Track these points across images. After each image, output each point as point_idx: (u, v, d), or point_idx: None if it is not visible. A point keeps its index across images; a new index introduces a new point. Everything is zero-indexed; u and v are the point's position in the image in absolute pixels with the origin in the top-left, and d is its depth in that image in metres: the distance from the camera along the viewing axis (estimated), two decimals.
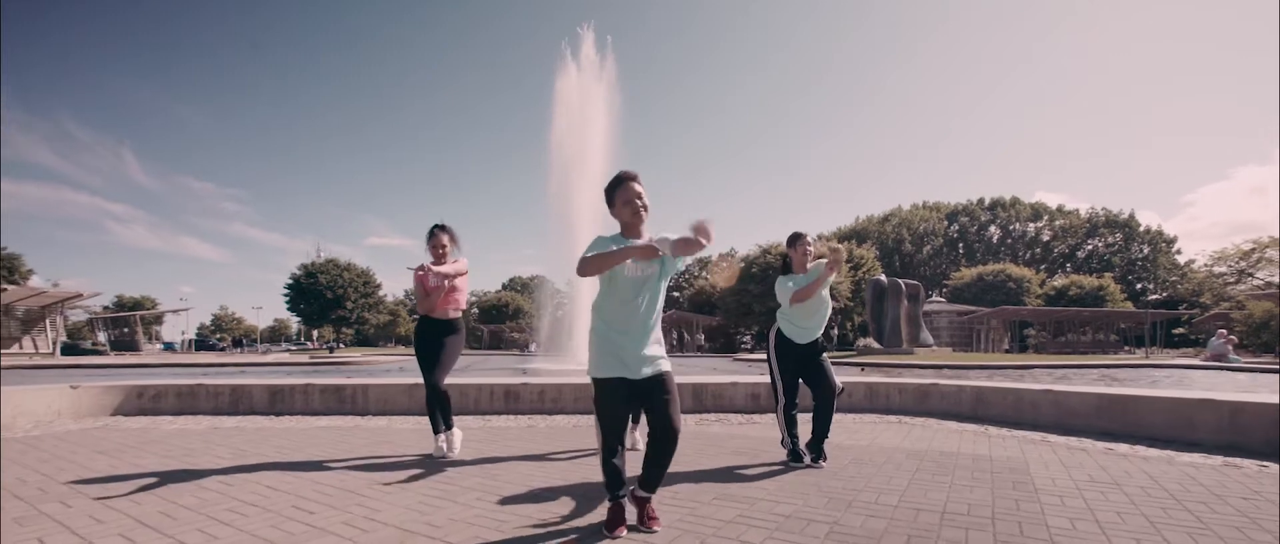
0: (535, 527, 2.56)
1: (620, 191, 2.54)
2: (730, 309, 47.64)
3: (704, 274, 72.05)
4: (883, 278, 27.54)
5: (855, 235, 61.89)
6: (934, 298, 53.15)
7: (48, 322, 36.53)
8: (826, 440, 3.86)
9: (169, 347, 50.46)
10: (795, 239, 3.98)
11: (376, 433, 5.13)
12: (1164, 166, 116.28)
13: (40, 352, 32.93)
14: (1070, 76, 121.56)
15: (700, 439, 4.79)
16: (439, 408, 4.18)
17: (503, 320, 59.87)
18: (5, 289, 31.43)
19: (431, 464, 3.86)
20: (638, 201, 2.51)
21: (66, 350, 33.64)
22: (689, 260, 3.14)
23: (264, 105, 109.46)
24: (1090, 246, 72.43)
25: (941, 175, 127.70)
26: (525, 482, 3.37)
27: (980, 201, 77.22)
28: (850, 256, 49.46)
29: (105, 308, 53.35)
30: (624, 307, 2.50)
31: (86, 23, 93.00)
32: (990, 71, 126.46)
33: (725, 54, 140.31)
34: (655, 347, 2.54)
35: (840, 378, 4.12)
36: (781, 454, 4.04)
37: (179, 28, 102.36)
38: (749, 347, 55.67)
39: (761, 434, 5.05)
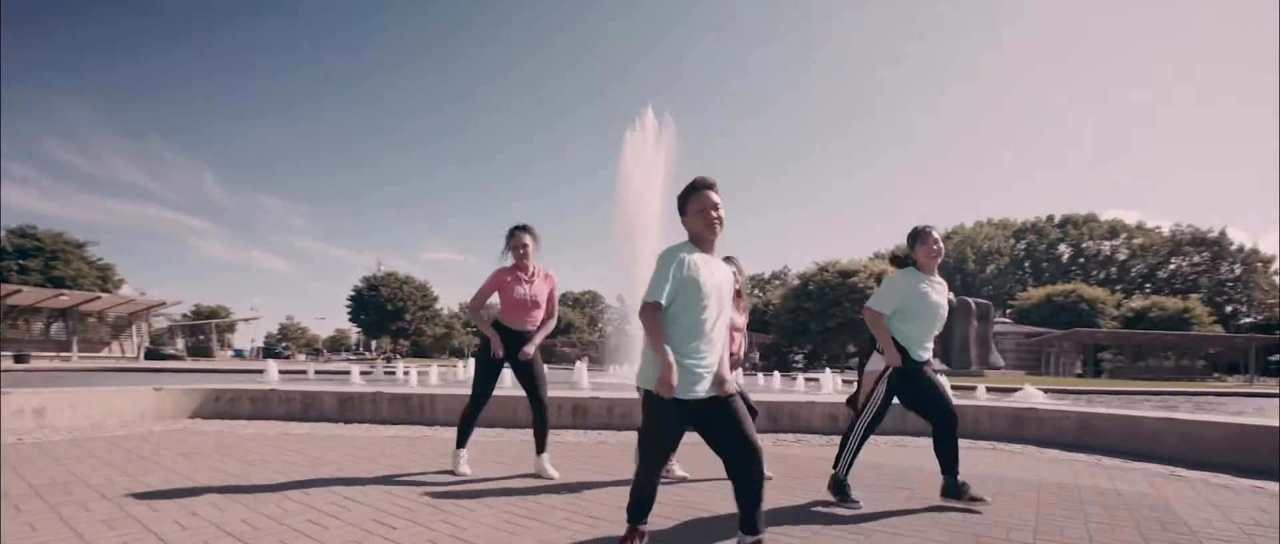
0: None
1: (694, 200, 2.33)
2: (785, 328, 46.67)
3: (758, 292, 70.99)
4: (951, 297, 26.21)
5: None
6: (999, 319, 50.34)
7: (134, 328, 39.01)
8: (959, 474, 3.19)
9: (238, 354, 52.58)
10: (920, 236, 3.29)
11: (444, 444, 4.94)
12: (1256, 177, 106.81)
13: (127, 356, 35.12)
14: (1156, 84, 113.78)
15: (784, 463, 4.49)
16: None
17: (554, 335, 60.23)
18: (99, 297, 33.83)
19: (514, 481, 3.68)
20: (713, 213, 2.30)
21: (149, 355, 35.76)
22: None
23: (331, 127, 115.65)
24: (1173, 266, 67.23)
25: (1009, 192, 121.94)
26: (615, 502, 3.16)
27: (1050, 219, 73.39)
28: None
29: (184, 315, 56.53)
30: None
31: (168, 50, 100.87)
32: (1065, 82, 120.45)
33: (772, 60, 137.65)
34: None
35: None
36: (873, 482, 3.65)
37: (254, 58, 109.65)
38: (801, 366, 54.25)
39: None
